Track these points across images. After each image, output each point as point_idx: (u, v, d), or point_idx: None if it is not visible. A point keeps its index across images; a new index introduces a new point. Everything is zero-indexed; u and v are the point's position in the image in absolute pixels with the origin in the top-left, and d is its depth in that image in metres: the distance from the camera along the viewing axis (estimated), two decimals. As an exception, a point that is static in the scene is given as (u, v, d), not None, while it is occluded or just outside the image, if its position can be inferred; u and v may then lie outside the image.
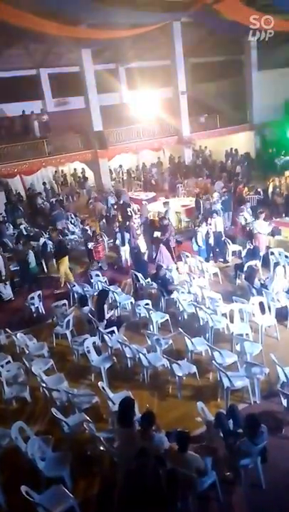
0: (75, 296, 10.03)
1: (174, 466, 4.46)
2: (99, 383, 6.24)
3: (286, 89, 21.61)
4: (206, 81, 24.95)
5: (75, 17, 16.23)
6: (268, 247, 10.98)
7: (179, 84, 21.17)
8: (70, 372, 7.48)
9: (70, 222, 16.45)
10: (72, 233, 15.16)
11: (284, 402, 5.76)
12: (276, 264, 9.69)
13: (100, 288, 9.78)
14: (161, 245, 11.08)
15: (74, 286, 10.31)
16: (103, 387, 6.13)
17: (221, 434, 5.09)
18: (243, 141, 23.31)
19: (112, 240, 13.24)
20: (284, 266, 9.15)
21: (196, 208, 14.69)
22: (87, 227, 14.03)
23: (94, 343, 7.48)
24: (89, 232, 13.40)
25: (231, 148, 22.82)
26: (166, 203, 14.13)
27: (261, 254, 10.57)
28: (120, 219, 14.60)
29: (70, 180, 23.48)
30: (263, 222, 11.14)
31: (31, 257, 11.66)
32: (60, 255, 11.57)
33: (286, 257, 10.07)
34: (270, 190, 15.28)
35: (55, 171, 23.03)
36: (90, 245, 12.23)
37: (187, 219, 15.04)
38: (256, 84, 22.78)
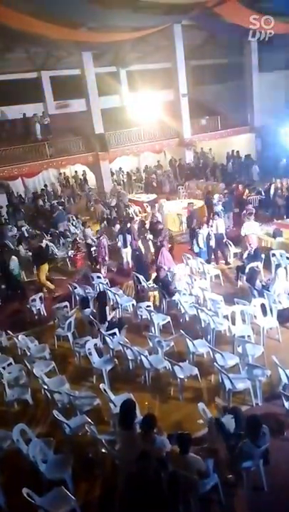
0: (77, 298, 10.03)
1: (175, 468, 4.45)
2: (100, 385, 6.24)
3: (287, 91, 21.66)
4: (207, 83, 25.01)
5: (75, 20, 16.29)
6: (269, 249, 10.97)
7: (180, 86, 21.23)
8: (71, 374, 7.49)
9: (72, 224, 16.48)
10: (74, 235, 15.17)
11: (286, 404, 5.74)
12: (278, 265, 9.66)
13: (101, 290, 9.78)
14: (163, 247, 11.07)
15: (76, 288, 10.31)
16: (105, 390, 6.12)
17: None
18: (244, 143, 23.33)
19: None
20: (285, 267, 9.13)
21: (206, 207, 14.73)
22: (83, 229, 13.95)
23: (95, 345, 7.47)
24: (87, 234, 13.26)
25: (232, 151, 22.85)
26: (153, 206, 14.15)
27: (253, 253, 10.50)
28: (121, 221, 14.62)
29: (71, 183, 23.55)
30: (252, 223, 11.20)
31: (13, 264, 11.25)
32: (40, 263, 11.25)
33: (287, 258, 10.05)
34: (272, 191, 15.29)
35: (59, 174, 23.12)
36: (70, 253, 12.05)
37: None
38: (257, 86, 22.82)
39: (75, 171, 23.44)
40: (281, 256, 10.25)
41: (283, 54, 22.39)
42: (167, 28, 19.46)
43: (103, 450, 5.27)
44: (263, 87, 22.35)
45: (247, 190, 15.84)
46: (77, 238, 13.57)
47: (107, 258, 12.15)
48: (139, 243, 12.53)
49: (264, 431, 4.75)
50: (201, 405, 5.49)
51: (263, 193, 15.69)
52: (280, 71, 22.29)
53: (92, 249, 12.67)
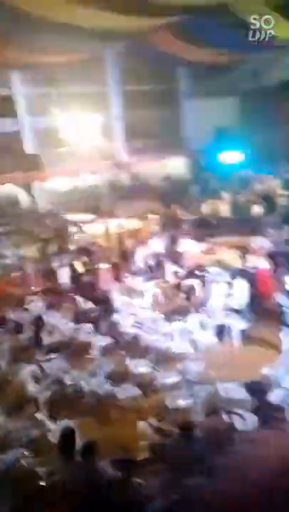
0: (11, 323, 9.54)
1: (120, 493, 4.29)
2: (38, 414, 5.92)
3: (217, 117, 23.05)
4: (141, 107, 25.69)
5: (4, 39, 16.04)
6: (204, 266, 11.27)
7: (114, 109, 21.65)
8: (7, 404, 7.03)
9: (4, 246, 15.80)
10: (5, 257, 14.52)
11: (227, 418, 5.82)
12: (213, 282, 9.94)
13: (36, 314, 9.42)
14: (101, 267, 10.97)
15: (9, 313, 9.81)
16: (42, 419, 5.82)
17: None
18: (178, 166, 24.24)
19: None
20: (220, 284, 9.42)
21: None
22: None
23: (32, 371, 7.12)
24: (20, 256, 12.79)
25: (168, 173, 23.64)
26: (80, 228, 14.23)
27: (190, 271, 10.78)
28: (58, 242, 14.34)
29: (3, 203, 22.75)
30: (188, 242, 11.64)
31: None
32: None
33: (221, 275, 10.37)
34: (206, 211, 15.89)
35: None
36: None
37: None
38: (190, 111, 24.05)
39: (7, 192, 22.69)
40: (217, 273, 10.55)
41: (214, 82, 23.80)
42: (101, 52, 19.84)
43: (43, 483, 4.96)
44: (196, 113, 23.57)
45: (182, 211, 16.31)
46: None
47: (35, 282, 11.68)
48: (77, 264, 12.32)
49: (195, 435, 4.86)
50: (143, 424, 5.40)
51: (197, 213, 16.25)
52: (211, 98, 23.68)
53: (18, 273, 12.15)
